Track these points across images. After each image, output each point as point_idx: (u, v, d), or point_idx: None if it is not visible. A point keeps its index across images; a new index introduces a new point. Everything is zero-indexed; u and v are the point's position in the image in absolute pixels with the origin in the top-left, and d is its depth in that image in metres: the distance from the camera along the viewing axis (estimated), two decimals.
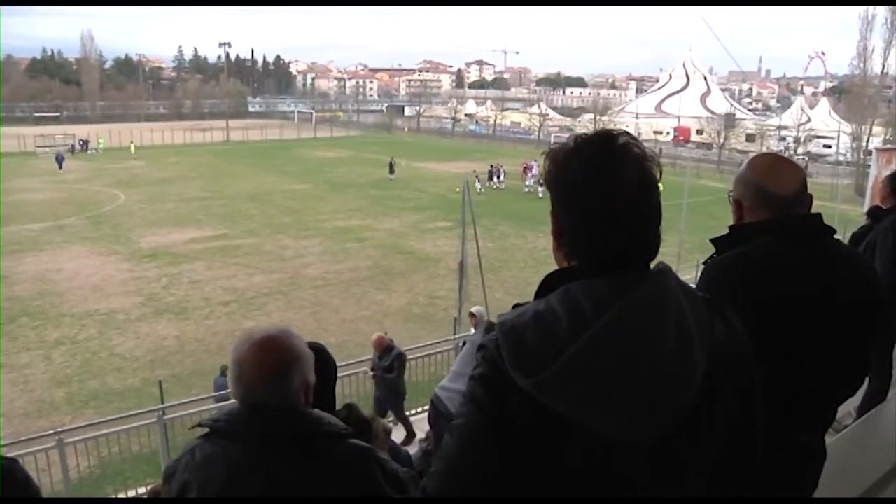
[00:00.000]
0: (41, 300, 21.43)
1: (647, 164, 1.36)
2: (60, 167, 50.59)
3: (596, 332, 1.24)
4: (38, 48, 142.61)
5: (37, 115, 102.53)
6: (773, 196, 2.07)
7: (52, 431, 10.06)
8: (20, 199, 39.33)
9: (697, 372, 1.28)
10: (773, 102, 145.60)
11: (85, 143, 66.97)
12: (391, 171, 47.47)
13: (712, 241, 2.15)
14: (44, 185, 45.20)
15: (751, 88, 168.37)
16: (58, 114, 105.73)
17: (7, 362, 16.77)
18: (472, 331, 10.90)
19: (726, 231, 2.15)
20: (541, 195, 37.06)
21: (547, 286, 1.37)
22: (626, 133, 1.40)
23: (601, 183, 1.32)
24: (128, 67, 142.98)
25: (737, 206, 2.14)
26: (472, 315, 11.13)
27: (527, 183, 43.30)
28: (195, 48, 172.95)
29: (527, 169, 44.44)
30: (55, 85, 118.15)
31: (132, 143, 66.18)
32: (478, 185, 39.80)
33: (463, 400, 1.38)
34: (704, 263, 2.09)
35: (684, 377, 1.27)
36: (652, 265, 1.37)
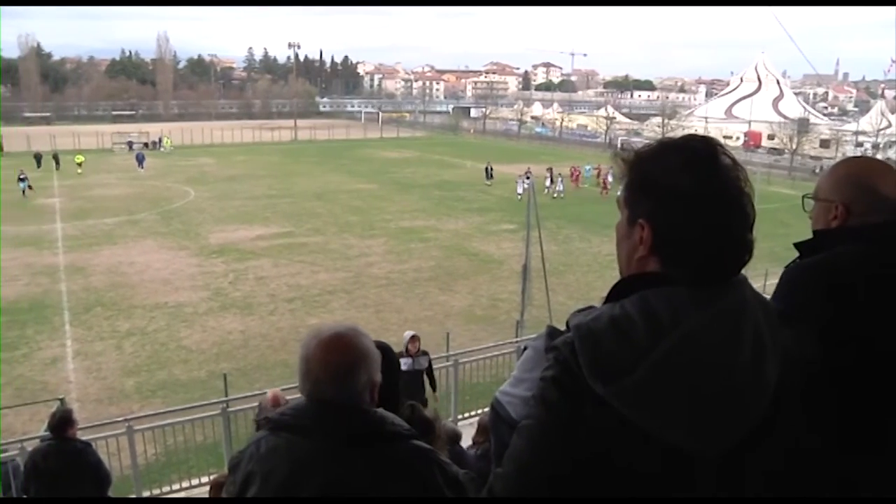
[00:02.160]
0: (114, 292, 22.11)
1: (742, 173, 1.34)
2: (141, 166, 50.92)
3: (675, 341, 1.23)
4: (118, 50, 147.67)
5: (114, 113, 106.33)
6: (888, 200, 1.92)
7: (122, 418, 10.38)
8: (97, 195, 40.78)
9: (770, 384, 1.28)
10: (850, 107, 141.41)
11: (159, 141, 69.08)
12: (489, 176, 46.03)
13: (796, 245, 2.02)
14: (119, 180, 46.75)
15: (826, 92, 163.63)
16: (133, 112, 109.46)
17: (82, 350, 17.39)
18: (410, 360, 10.56)
19: (804, 237, 2.02)
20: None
21: (619, 292, 1.34)
22: (717, 139, 1.37)
23: (701, 190, 1.29)
24: (200, 67, 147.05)
25: (843, 210, 1.97)
26: (414, 338, 10.72)
27: (557, 188, 42.06)
28: (265, 49, 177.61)
29: (573, 173, 43.87)
30: (132, 84, 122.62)
31: (168, 138, 68.33)
32: (519, 190, 39.20)
33: (532, 401, 1.36)
34: (786, 268, 1.97)
35: (759, 389, 1.27)
36: None
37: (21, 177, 40.01)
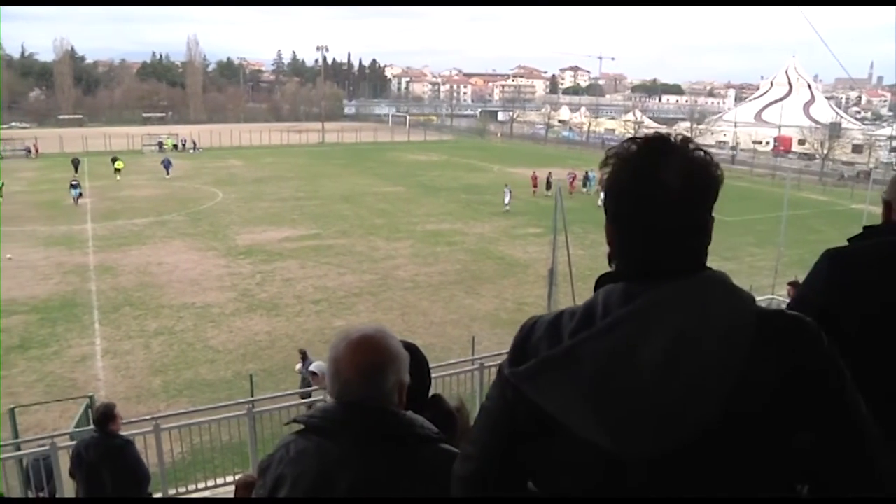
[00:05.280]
0: (143, 291, 22.37)
1: (697, 168, 1.28)
2: (168, 173, 49.99)
3: (584, 336, 1.25)
4: (149, 53, 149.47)
5: (144, 115, 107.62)
6: None
7: (149, 417, 10.47)
8: (127, 196, 41.30)
9: (711, 394, 1.18)
10: (884, 111, 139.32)
11: (186, 143, 70.09)
12: (548, 186, 41.87)
13: (848, 240, 2.08)
14: (148, 182, 47.27)
15: (859, 96, 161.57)
16: (163, 114, 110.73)
17: (111, 348, 17.62)
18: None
19: (835, 244, 2.06)
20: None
21: (595, 287, 1.39)
22: (682, 135, 1.35)
23: (637, 188, 1.29)
24: (229, 70, 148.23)
25: (886, 207, 2.07)
26: (314, 374, 10.80)
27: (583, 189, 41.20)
28: (294, 52, 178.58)
29: (573, 178, 43.05)
30: (162, 87, 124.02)
31: (169, 138, 69.99)
32: (507, 198, 37.94)
33: None
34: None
35: (681, 395, 1.18)
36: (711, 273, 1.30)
37: (73, 183, 39.47)
